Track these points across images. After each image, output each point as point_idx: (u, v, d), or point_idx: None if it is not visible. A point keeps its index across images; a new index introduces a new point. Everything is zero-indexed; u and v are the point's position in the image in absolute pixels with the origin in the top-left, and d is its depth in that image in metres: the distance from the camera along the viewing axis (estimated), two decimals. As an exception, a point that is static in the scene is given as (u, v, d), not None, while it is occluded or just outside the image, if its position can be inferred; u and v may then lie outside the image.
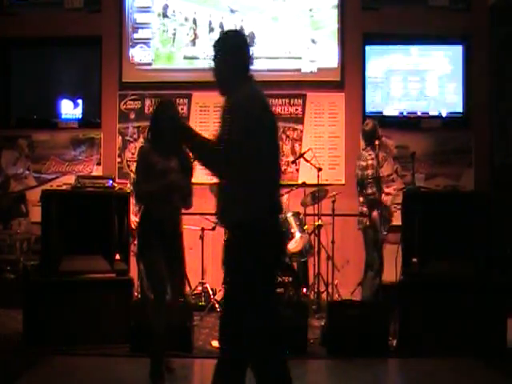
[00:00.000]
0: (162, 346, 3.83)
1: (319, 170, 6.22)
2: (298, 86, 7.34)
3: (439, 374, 4.35)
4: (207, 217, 6.00)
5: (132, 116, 7.36)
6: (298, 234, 5.93)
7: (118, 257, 4.92)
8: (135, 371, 4.17)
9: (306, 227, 6.04)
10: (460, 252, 4.88)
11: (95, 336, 4.69)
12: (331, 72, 7.32)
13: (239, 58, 2.78)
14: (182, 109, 7.15)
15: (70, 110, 7.49)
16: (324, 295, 6.20)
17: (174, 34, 7.36)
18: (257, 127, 2.63)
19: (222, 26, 7.24)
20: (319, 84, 7.32)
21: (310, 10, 7.31)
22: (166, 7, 7.39)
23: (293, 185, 6.65)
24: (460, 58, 7.39)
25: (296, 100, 7.34)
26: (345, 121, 7.29)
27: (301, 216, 6.15)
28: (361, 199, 5.60)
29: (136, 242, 5.61)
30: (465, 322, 4.73)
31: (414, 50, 7.37)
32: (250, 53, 2.83)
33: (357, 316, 4.69)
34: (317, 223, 6.22)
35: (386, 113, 7.40)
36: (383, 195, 5.53)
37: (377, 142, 5.59)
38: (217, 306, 5.80)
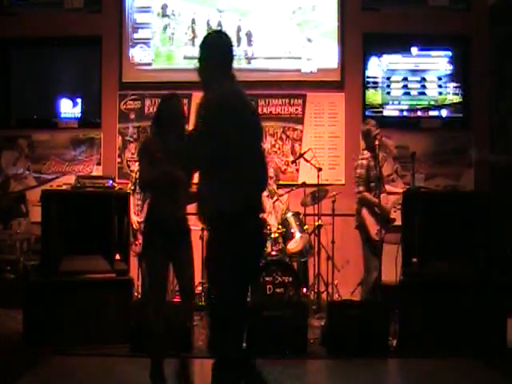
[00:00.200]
0: (162, 347, 3.83)
1: (319, 169, 6.22)
2: (298, 86, 7.34)
3: (439, 373, 4.35)
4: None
5: (132, 116, 7.36)
6: (298, 234, 5.94)
7: (118, 257, 4.92)
8: (135, 371, 4.17)
9: (306, 227, 6.04)
10: (460, 252, 4.88)
11: (95, 336, 4.69)
12: (331, 72, 7.32)
13: (218, 57, 2.88)
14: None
15: (69, 108, 7.49)
16: (324, 295, 6.20)
17: (173, 34, 7.37)
18: (227, 124, 2.70)
19: (220, 25, 7.26)
20: (319, 84, 7.32)
21: (313, 9, 7.31)
22: (165, 7, 7.39)
23: (293, 185, 6.66)
24: (460, 58, 7.39)
25: (296, 100, 7.34)
26: (345, 121, 7.29)
27: (301, 216, 6.15)
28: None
29: (138, 242, 5.65)
30: (465, 322, 4.73)
31: (414, 50, 7.37)
32: (231, 53, 2.91)
33: (357, 316, 4.70)
34: (317, 223, 6.22)
35: (386, 113, 7.40)
36: (383, 195, 5.51)
37: (377, 142, 5.58)
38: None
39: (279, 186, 6.52)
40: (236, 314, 2.77)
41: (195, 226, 6.14)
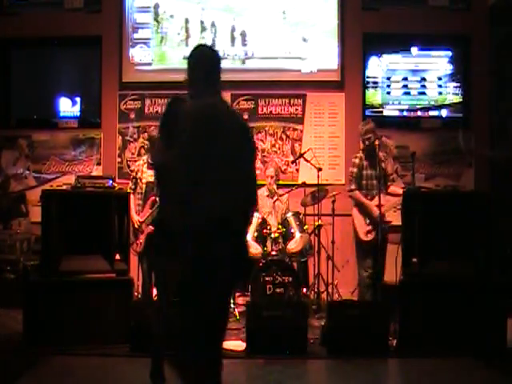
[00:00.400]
0: (162, 347, 3.83)
1: (319, 170, 6.22)
2: (298, 86, 7.34)
3: (439, 373, 4.35)
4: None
5: (132, 116, 7.36)
6: (298, 234, 5.94)
7: (118, 257, 4.92)
8: (135, 371, 4.17)
9: (306, 227, 6.05)
10: (460, 252, 4.88)
11: (95, 336, 4.70)
12: (331, 72, 7.32)
13: (201, 72, 2.90)
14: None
15: (68, 108, 7.49)
16: (324, 295, 6.21)
17: (166, 34, 7.37)
18: (188, 137, 2.71)
19: (214, 25, 7.27)
20: (319, 84, 7.32)
21: (313, 8, 7.31)
22: (157, 6, 7.39)
23: (293, 185, 6.67)
24: (460, 58, 7.39)
25: (296, 100, 7.34)
26: (345, 121, 7.30)
27: (301, 216, 6.15)
28: None
29: (139, 242, 5.65)
30: (465, 322, 4.73)
31: (414, 50, 7.37)
32: (215, 68, 2.92)
33: (357, 316, 4.70)
34: (317, 223, 6.22)
35: (386, 113, 7.40)
36: (383, 195, 5.54)
37: (377, 142, 5.59)
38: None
39: (279, 186, 6.52)
40: (192, 332, 2.74)
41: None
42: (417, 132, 7.32)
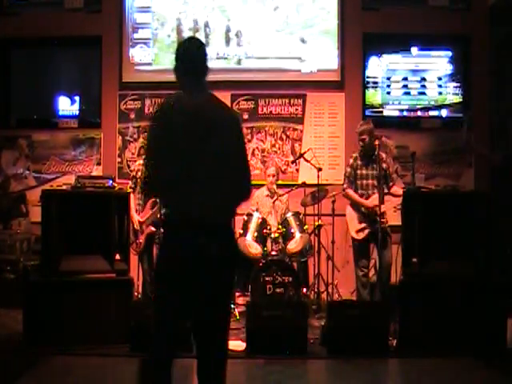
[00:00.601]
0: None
1: (319, 170, 6.22)
2: (298, 86, 7.34)
3: (439, 373, 4.35)
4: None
5: (132, 116, 7.36)
6: (298, 234, 5.94)
7: (118, 257, 4.92)
8: (135, 371, 4.16)
9: (306, 227, 6.05)
10: (460, 252, 4.88)
11: (95, 336, 4.69)
12: (331, 72, 7.32)
13: (181, 68, 2.87)
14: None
15: (68, 107, 7.49)
16: (324, 295, 6.21)
17: (156, 35, 7.38)
18: (158, 136, 2.72)
19: (207, 26, 7.29)
20: (319, 84, 7.32)
21: (313, 8, 7.31)
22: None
23: (293, 185, 6.67)
24: (460, 58, 7.39)
25: (296, 100, 7.34)
26: (345, 121, 7.30)
27: (301, 216, 6.15)
28: None
29: (139, 241, 5.64)
30: (465, 321, 4.73)
31: (414, 50, 7.37)
32: (194, 62, 2.88)
33: (357, 316, 4.70)
34: (317, 223, 6.22)
35: (386, 113, 7.40)
36: (375, 196, 5.62)
37: (377, 142, 5.61)
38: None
39: (279, 186, 6.53)
40: (159, 325, 2.75)
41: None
42: (417, 132, 7.31)
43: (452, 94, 7.37)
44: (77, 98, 7.51)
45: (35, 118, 7.60)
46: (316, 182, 6.21)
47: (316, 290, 6.17)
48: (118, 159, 7.35)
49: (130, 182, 5.89)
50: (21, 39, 7.46)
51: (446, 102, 7.37)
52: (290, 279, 5.67)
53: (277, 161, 7.14)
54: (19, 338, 4.81)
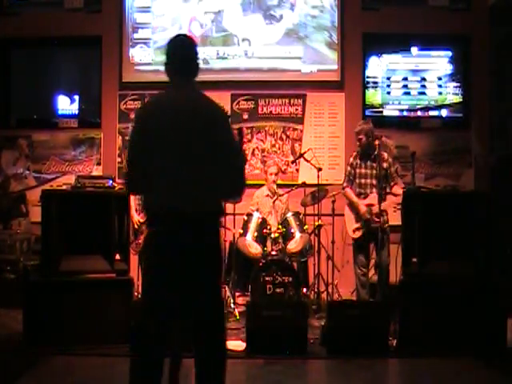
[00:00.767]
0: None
1: (319, 170, 6.22)
2: (298, 86, 7.34)
3: (439, 373, 4.35)
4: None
5: (132, 116, 7.35)
6: (298, 234, 5.94)
7: (118, 257, 4.92)
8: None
9: (306, 227, 6.05)
10: (460, 252, 4.88)
11: (95, 336, 4.69)
12: (331, 72, 7.32)
13: (168, 64, 2.87)
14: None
15: (67, 106, 7.49)
16: (324, 295, 6.21)
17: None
18: (142, 130, 2.75)
19: (207, 25, 7.29)
20: (319, 84, 7.32)
21: (313, 8, 7.31)
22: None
23: (293, 185, 6.66)
24: (460, 58, 7.39)
25: (296, 100, 7.34)
26: (345, 121, 7.30)
27: (301, 216, 6.15)
28: None
29: (139, 241, 5.65)
30: (465, 322, 4.73)
31: (414, 50, 7.37)
32: (179, 57, 2.85)
33: (357, 316, 4.69)
34: (317, 223, 6.22)
35: (386, 113, 7.40)
36: (373, 195, 5.67)
37: (377, 142, 5.62)
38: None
39: (279, 186, 6.52)
40: (147, 316, 2.77)
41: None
42: (417, 132, 7.31)
43: (452, 93, 7.37)
44: (76, 97, 7.51)
45: (35, 118, 7.60)
46: (316, 182, 6.21)
47: (316, 290, 6.17)
48: (118, 159, 7.35)
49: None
50: (21, 39, 7.46)
51: (446, 102, 7.37)
52: (290, 279, 5.67)
53: (277, 161, 7.14)
54: (19, 338, 4.80)
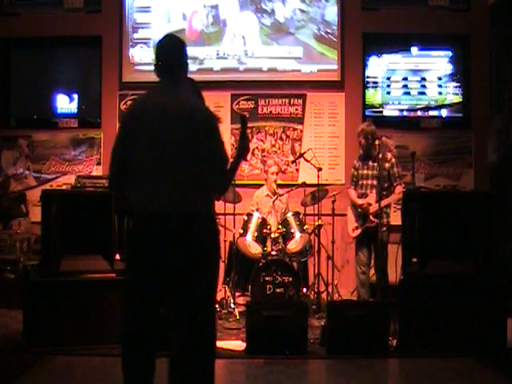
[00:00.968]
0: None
1: (319, 169, 6.22)
2: (298, 86, 7.34)
3: (439, 373, 4.35)
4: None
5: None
6: (298, 234, 5.95)
7: (118, 257, 4.92)
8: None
9: (306, 227, 6.05)
10: (460, 252, 4.88)
11: (95, 336, 4.69)
12: (331, 72, 7.32)
13: (157, 64, 2.87)
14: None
15: (67, 105, 7.49)
16: (324, 295, 6.21)
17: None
18: (126, 130, 2.77)
19: (207, 25, 7.30)
20: (319, 84, 7.32)
21: (312, 8, 7.31)
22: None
23: (293, 185, 6.67)
24: (460, 58, 7.39)
25: (296, 100, 7.34)
26: (345, 121, 7.30)
27: (301, 216, 6.16)
28: None
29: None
30: (465, 322, 4.73)
31: (414, 50, 7.37)
32: (165, 57, 2.85)
33: (357, 316, 4.69)
34: (317, 223, 6.22)
35: (386, 113, 7.40)
36: (371, 194, 5.71)
37: (377, 142, 5.62)
38: (217, 305, 5.79)
39: (279, 186, 6.52)
40: (128, 315, 2.77)
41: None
42: (417, 132, 7.31)
43: (452, 93, 7.37)
44: (75, 96, 7.51)
45: (35, 118, 7.60)
46: (316, 182, 6.21)
47: (316, 289, 6.17)
48: (118, 159, 7.33)
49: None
50: (21, 39, 7.47)
51: (446, 102, 7.37)
52: (290, 279, 5.68)
53: (277, 160, 7.14)
54: (19, 338, 4.81)
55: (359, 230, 5.79)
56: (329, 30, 7.29)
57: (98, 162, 7.37)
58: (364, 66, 7.36)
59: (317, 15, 7.29)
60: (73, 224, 4.84)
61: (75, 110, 7.51)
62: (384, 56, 7.37)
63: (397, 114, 7.42)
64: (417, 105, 7.41)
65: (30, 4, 7.46)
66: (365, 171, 5.81)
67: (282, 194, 6.42)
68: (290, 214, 6.10)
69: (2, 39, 7.47)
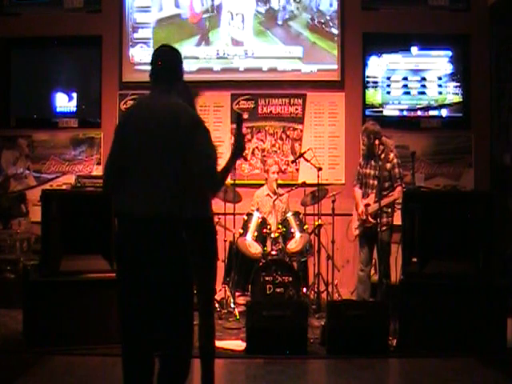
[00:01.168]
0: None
1: (319, 169, 6.22)
2: (298, 86, 7.34)
3: (439, 373, 4.35)
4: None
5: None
6: (297, 234, 5.95)
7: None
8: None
9: (306, 227, 6.05)
10: (460, 252, 4.88)
11: (95, 336, 4.69)
12: (331, 72, 7.32)
13: (152, 69, 2.94)
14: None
15: (65, 103, 7.49)
16: (324, 295, 6.21)
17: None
18: (118, 135, 2.84)
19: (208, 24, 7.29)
20: (319, 84, 7.32)
21: (312, 7, 7.31)
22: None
23: (293, 185, 6.67)
24: (460, 58, 7.38)
25: (296, 100, 7.34)
26: (345, 121, 7.29)
27: (301, 216, 6.16)
28: None
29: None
30: (465, 322, 4.73)
31: (414, 49, 7.37)
32: (156, 66, 2.91)
33: (357, 316, 4.69)
34: (317, 223, 6.22)
35: (386, 112, 7.39)
36: (372, 195, 5.68)
37: (377, 142, 5.63)
38: (217, 305, 5.80)
39: (279, 186, 6.53)
40: (123, 316, 2.77)
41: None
42: (417, 132, 7.31)
43: (452, 93, 7.37)
44: (75, 96, 7.50)
45: (35, 118, 7.60)
46: (316, 182, 6.21)
47: (316, 289, 6.17)
48: (118, 159, 7.33)
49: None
50: (21, 39, 7.46)
51: (446, 102, 7.37)
52: (290, 279, 5.68)
53: (277, 160, 7.14)
54: (19, 338, 4.81)
55: (357, 232, 5.81)
56: (322, 20, 7.28)
57: (98, 161, 7.37)
58: (364, 65, 7.35)
59: (312, 4, 7.29)
60: (73, 224, 4.84)
61: (74, 108, 7.51)
62: (384, 56, 7.37)
63: (397, 113, 7.42)
64: (417, 105, 7.40)
65: (30, 4, 7.46)
66: (367, 170, 5.79)
67: (282, 194, 6.42)
68: (290, 214, 6.10)
69: (2, 39, 7.46)
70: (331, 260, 6.26)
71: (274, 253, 5.92)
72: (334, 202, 6.28)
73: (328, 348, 4.73)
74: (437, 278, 4.84)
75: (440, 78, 7.37)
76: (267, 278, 5.68)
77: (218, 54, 7.28)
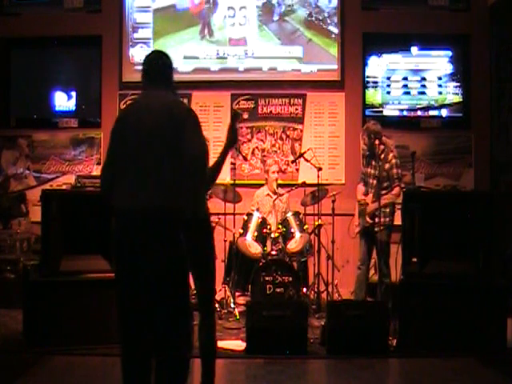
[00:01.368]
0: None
1: (319, 169, 6.22)
2: (298, 86, 7.34)
3: (439, 373, 4.35)
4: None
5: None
6: (297, 234, 5.95)
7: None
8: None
9: (306, 227, 6.05)
10: (460, 252, 4.88)
11: (95, 336, 4.69)
12: (331, 72, 7.32)
13: (143, 76, 3.03)
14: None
15: (64, 102, 7.49)
16: (324, 295, 6.20)
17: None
18: (114, 133, 2.90)
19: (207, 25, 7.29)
20: (319, 84, 7.32)
21: (312, 7, 7.31)
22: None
23: (293, 185, 6.66)
24: (460, 58, 7.38)
25: (296, 100, 7.34)
26: (345, 121, 7.29)
27: (301, 216, 6.16)
28: None
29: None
30: (465, 322, 4.73)
31: (414, 49, 7.37)
32: (149, 67, 3.00)
33: (357, 316, 4.69)
34: (317, 223, 6.22)
35: (386, 113, 7.40)
36: (371, 194, 5.68)
37: (377, 142, 5.62)
38: (216, 305, 5.79)
39: (279, 186, 6.53)
40: (121, 312, 2.78)
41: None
42: (417, 132, 7.31)
43: (452, 93, 7.37)
44: (75, 96, 7.50)
45: (35, 118, 7.60)
46: (316, 182, 6.21)
47: (316, 289, 6.17)
48: (118, 159, 7.33)
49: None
50: (21, 39, 7.46)
51: (446, 102, 7.37)
52: (290, 279, 5.68)
53: (277, 160, 7.13)
54: (19, 338, 4.81)
55: (358, 229, 5.80)
56: (320, 17, 7.27)
57: (98, 161, 7.37)
58: (364, 65, 7.35)
59: (311, -1, 7.30)
60: (73, 224, 4.84)
61: (73, 107, 7.51)
62: (384, 56, 7.37)
63: (397, 113, 7.42)
64: (417, 105, 7.40)
65: (30, 4, 7.46)
66: (368, 169, 5.78)
67: (283, 194, 6.42)
68: (290, 214, 6.10)
69: (2, 39, 7.46)
70: (331, 260, 6.26)
71: (273, 253, 5.92)
72: (334, 201, 6.28)
73: (328, 348, 4.73)
74: (437, 278, 4.84)
75: (440, 78, 7.37)
76: (267, 278, 5.67)
77: (217, 54, 7.27)
